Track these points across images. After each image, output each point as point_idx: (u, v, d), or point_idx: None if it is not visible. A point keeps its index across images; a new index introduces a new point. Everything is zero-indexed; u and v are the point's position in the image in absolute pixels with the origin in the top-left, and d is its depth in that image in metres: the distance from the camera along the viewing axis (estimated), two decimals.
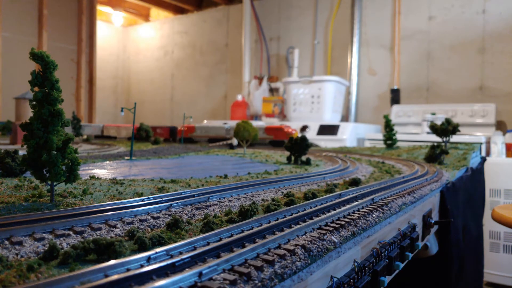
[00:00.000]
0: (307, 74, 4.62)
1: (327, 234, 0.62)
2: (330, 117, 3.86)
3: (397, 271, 0.81)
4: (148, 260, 0.44)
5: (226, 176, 1.24)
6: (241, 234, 0.55)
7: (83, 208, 0.65)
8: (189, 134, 3.42)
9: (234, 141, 2.91)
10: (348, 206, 0.80)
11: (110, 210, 0.65)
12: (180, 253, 0.48)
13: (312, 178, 1.24)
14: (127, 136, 3.74)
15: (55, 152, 0.70)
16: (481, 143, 2.78)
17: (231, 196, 0.90)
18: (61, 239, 0.53)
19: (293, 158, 1.78)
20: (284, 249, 0.53)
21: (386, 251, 0.77)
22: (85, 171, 1.26)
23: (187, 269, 0.43)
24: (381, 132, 3.70)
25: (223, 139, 3.17)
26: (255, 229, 0.58)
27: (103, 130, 3.97)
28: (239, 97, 4.66)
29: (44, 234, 0.53)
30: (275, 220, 0.66)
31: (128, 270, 0.41)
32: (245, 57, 4.94)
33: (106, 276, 0.39)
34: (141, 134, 3.04)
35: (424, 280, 1.46)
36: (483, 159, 2.50)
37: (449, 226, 1.36)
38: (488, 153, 2.92)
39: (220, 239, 0.54)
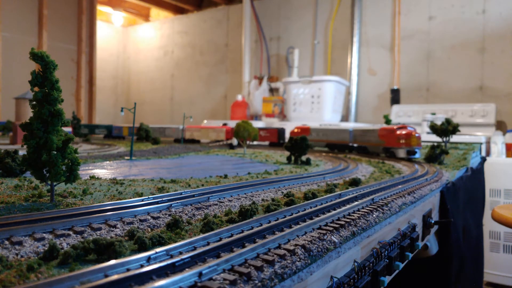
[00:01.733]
0: (307, 74, 4.62)
1: (327, 234, 0.62)
2: (330, 117, 3.86)
3: (397, 271, 0.81)
4: (148, 260, 0.44)
5: (226, 176, 1.24)
6: (241, 234, 0.55)
7: (83, 208, 0.65)
8: None
9: (234, 141, 2.90)
10: (348, 206, 0.80)
11: (110, 210, 0.66)
12: (180, 253, 0.48)
13: (312, 178, 1.24)
14: (217, 139, 3.06)
15: (55, 152, 0.70)
16: (481, 143, 2.77)
17: (231, 196, 0.90)
18: (61, 239, 0.53)
19: (293, 158, 1.78)
20: (284, 249, 0.53)
21: (386, 251, 0.77)
22: (85, 171, 1.26)
23: (187, 269, 0.43)
24: None
25: (346, 146, 2.45)
26: (255, 229, 0.58)
27: (185, 133, 3.34)
28: (239, 97, 4.66)
29: (44, 234, 0.53)
30: (275, 220, 0.66)
31: (128, 270, 0.41)
32: (245, 57, 4.94)
33: (106, 276, 0.39)
34: (141, 134, 3.04)
35: (424, 280, 1.45)
36: (483, 159, 2.50)
37: (449, 226, 1.36)
38: (488, 153, 2.92)
39: (220, 239, 0.54)
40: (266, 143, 3.18)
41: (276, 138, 2.93)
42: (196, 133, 3.21)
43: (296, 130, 2.79)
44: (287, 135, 2.96)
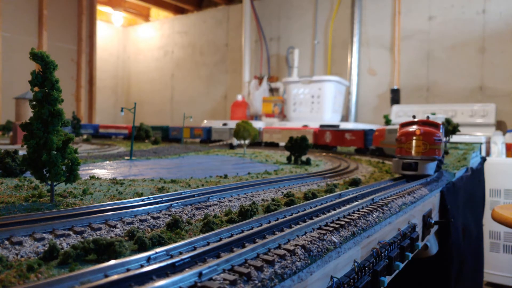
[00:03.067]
0: (307, 74, 4.62)
1: (327, 234, 0.62)
2: (330, 117, 3.86)
3: (397, 271, 0.81)
4: (148, 260, 0.44)
5: (226, 176, 1.24)
6: (241, 234, 0.55)
7: (83, 208, 0.65)
8: (380, 141, 2.10)
9: (234, 141, 2.90)
10: (348, 206, 0.80)
11: (110, 210, 0.65)
12: (180, 253, 0.48)
13: (312, 178, 1.24)
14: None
15: (55, 152, 0.70)
16: (481, 143, 2.77)
17: (231, 196, 0.90)
18: (61, 239, 0.53)
19: (293, 158, 1.78)
20: (284, 249, 0.53)
21: (386, 251, 0.77)
22: (85, 171, 1.26)
23: (187, 269, 0.43)
24: None
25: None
26: (255, 229, 0.58)
27: (262, 135, 2.98)
28: (239, 97, 4.66)
29: (44, 234, 0.53)
30: (275, 220, 0.66)
31: (128, 270, 0.41)
32: (245, 57, 4.94)
33: (106, 276, 0.39)
34: (141, 134, 3.04)
35: (424, 280, 1.45)
36: (483, 159, 2.50)
37: (449, 226, 1.36)
38: (488, 153, 2.92)
39: (220, 239, 0.54)
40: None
41: (362, 143, 2.26)
42: (276, 135, 2.85)
43: (376, 133, 2.21)
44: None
